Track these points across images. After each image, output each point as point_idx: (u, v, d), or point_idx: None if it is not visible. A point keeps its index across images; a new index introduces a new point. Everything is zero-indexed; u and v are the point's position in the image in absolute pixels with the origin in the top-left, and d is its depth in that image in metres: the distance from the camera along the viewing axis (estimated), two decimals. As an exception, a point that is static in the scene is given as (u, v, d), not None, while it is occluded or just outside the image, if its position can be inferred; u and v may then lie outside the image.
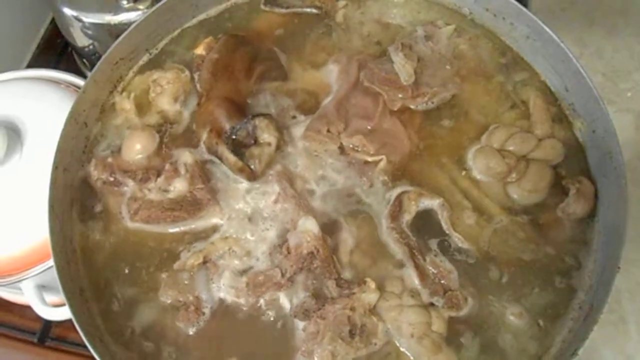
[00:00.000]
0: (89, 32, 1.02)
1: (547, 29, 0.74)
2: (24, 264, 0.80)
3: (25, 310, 0.94)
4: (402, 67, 0.76)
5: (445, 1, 0.83)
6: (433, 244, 0.68)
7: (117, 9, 0.97)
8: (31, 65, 1.18)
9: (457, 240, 0.68)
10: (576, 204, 0.68)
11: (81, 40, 1.05)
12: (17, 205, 0.79)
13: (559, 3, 1.26)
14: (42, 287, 0.85)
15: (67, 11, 1.00)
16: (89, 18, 0.99)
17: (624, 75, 1.17)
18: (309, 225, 0.65)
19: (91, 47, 1.06)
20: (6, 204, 0.79)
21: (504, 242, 0.68)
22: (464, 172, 0.72)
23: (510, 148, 0.72)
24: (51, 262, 0.66)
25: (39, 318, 0.90)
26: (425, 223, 0.69)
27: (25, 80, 0.91)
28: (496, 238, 0.68)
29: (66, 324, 0.96)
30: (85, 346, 0.93)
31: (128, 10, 0.97)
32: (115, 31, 0.97)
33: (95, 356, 0.60)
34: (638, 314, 0.95)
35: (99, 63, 0.74)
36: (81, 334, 0.61)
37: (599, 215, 0.69)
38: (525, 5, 1.12)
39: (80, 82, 0.90)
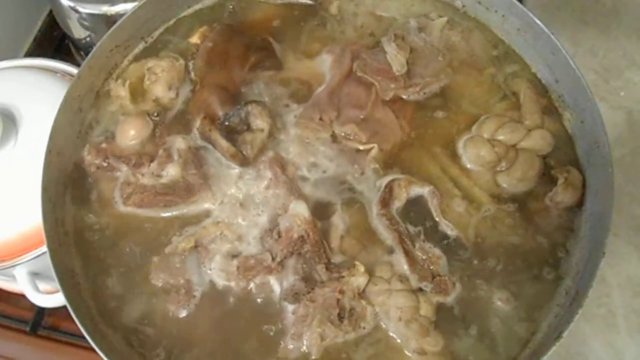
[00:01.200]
0: (86, 23, 1.02)
1: (538, 22, 0.75)
2: (17, 250, 0.81)
3: (18, 299, 0.95)
4: (395, 57, 0.77)
5: (438, -6, 0.84)
6: (422, 230, 0.69)
7: (114, -1, 0.98)
8: (28, 56, 1.18)
9: (447, 227, 0.69)
10: (564, 192, 0.69)
11: (78, 31, 1.06)
12: (11, 191, 0.80)
13: (554, 1, 1.27)
14: (35, 275, 0.85)
15: (64, 2, 1.01)
16: (86, 9, 1.00)
17: (616, 73, 1.19)
18: (300, 209, 0.65)
19: (88, 38, 1.06)
20: (0, 189, 0.79)
21: (493, 229, 0.69)
22: (454, 161, 0.73)
23: (500, 138, 0.73)
24: (44, 248, 0.66)
25: (31, 307, 0.91)
26: (415, 210, 0.70)
27: (21, 68, 0.92)
28: (485, 225, 0.69)
29: (59, 313, 0.97)
30: (77, 336, 0.95)
31: (125, 1, 0.98)
32: (112, 22, 0.95)
33: (88, 338, 0.60)
34: (627, 308, 0.96)
35: (94, 49, 0.74)
36: (74, 316, 0.61)
37: (587, 204, 0.70)
38: (521, 2, 1.14)
39: (76, 71, 0.90)
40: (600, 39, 1.22)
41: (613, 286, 0.98)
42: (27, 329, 0.97)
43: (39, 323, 0.98)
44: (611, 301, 0.98)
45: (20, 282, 0.84)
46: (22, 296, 0.85)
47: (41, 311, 0.97)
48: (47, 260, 0.65)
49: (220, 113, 0.73)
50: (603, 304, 0.98)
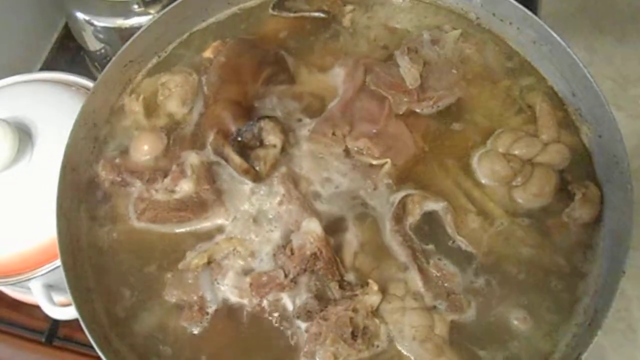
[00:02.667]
0: (101, 36, 1.04)
1: (554, 34, 0.74)
2: (32, 263, 0.81)
3: (33, 310, 0.96)
4: (408, 71, 0.76)
5: (452, 6, 0.83)
6: (437, 247, 0.68)
7: (128, 13, 0.99)
8: (44, 68, 1.19)
9: (461, 243, 0.68)
10: (582, 208, 0.68)
11: (93, 44, 1.07)
12: (27, 205, 0.80)
13: (569, 9, 1.26)
14: (50, 287, 0.86)
15: (80, 15, 1.02)
16: (101, 22, 1.01)
17: (633, 81, 1.17)
18: (313, 227, 0.65)
19: (102, 51, 1.08)
20: (16, 203, 0.80)
21: (508, 245, 0.68)
22: (469, 176, 0.72)
23: (516, 152, 0.72)
24: (59, 261, 0.67)
25: (47, 318, 0.91)
26: (429, 226, 0.69)
27: (37, 82, 0.93)
28: (500, 242, 0.68)
29: (74, 324, 0.97)
30: (92, 346, 0.95)
31: (139, 14, 0.99)
32: (126, 35, 0.98)
33: (100, 354, 0.61)
34: (647, 322, 0.94)
35: (108, 65, 0.75)
36: (86, 332, 0.62)
37: (605, 220, 0.68)
38: (535, 10, 1.13)
39: (91, 84, 0.91)
40: (617, 46, 1.20)
41: (633, 300, 0.97)
42: (43, 339, 0.98)
43: (54, 334, 0.98)
44: (631, 315, 0.96)
45: (35, 295, 0.84)
46: (38, 307, 0.85)
47: (56, 322, 0.98)
48: (62, 273, 0.65)
49: (233, 128, 0.73)
50: (622, 318, 0.96)
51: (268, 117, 0.72)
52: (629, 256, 0.62)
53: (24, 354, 0.99)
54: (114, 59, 0.75)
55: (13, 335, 0.99)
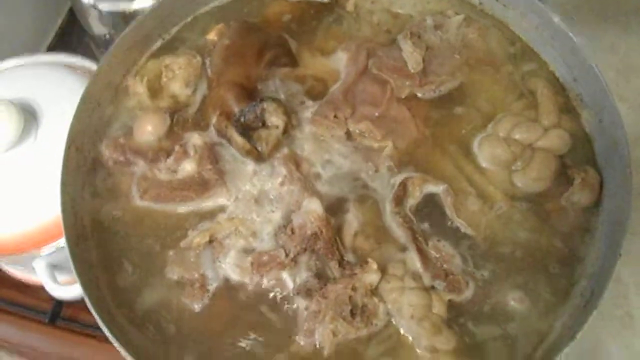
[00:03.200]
0: (105, 20, 1.04)
1: (557, 20, 0.74)
2: (37, 242, 0.82)
3: (37, 290, 0.96)
4: (411, 55, 0.76)
5: (456, -9, 0.84)
6: (436, 228, 0.69)
7: (132, -4, 0.99)
8: (50, 51, 1.20)
9: (461, 225, 0.68)
10: (581, 193, 0.69)
11: (98, 28, 1.07)
12: (32, 185, 0.81)
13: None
14: (53, 267, 0.87)
15: (84, -1, 1.02)
16: (105, 6, 1.01)
17: (637, 72, 1.17)
18: (313, 206, 0.65)
19: (107, 35, 1.08)
20: (21, 183, 0.81)
21: (507, 228, 0.69)
22: (469, 160, 0.73)
23: (516, 137, 0.72)
24: (63, 240, 0.67)
25: (50, 298, 0.92)
26: (429, 208, 0.70)
27: (41, 64, 0.93)
28: (499, 224, 0.69)
29: (77, 305, 0.98)
30: (95, 327, 0.96)
31: (143, -2, 0.99)
32: (130, 19, 0.98)
33: (105, 330, 0.62)
34: (645, 309, 0.94)
35: (112, 46, 0.75)
36: (90, 307, 0.63)
37: (604, 204, 0.69)
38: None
39: (95, 67, 0.91)
40: (621, 36, 1.20)
41: (630, 287, 0.97)
42: (46, 320, 0.99)
43: (57, 314, 0.99)
44: (628, 302, 0.96)
45: (39, 274, 0.85)
46: (41, 287, 0.86)
47: (60, 303, 0.99)
48: (66, 253, 0.66)
49: (236, 109, 0.73)
50: (620, 305, 0.96)
51: (271, 98, 0.73)
52: (628, 242, 0.62)
53: (28, 334, 1.00)
54: (117, 40, 0.76)
55: (17, 315, 1.00)
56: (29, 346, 0.99)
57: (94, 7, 1.02)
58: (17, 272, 1.01)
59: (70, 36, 1.23)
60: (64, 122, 0.73)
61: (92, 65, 0.93)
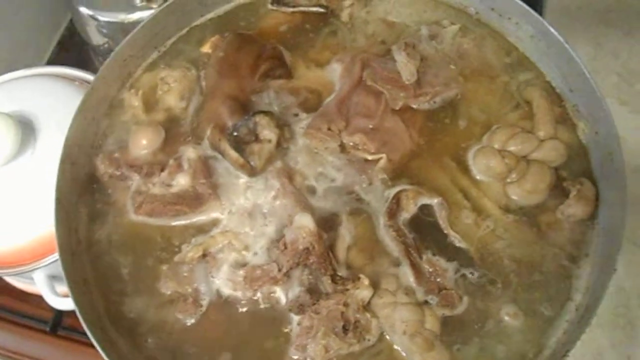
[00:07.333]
0: (104, 30, 1.05)
1: (552, 30, 0.73)
2: (35, 255, 0.83)
3: (38, 300, 0.97)
4: (405, 66, 0.76)
5: (452, 1, 0.83)
6: (430, 242, 0.68)
7: (130, 7, 1.00)
8: (50, 63, 1.21)
9: (455, 239, 0.68)
10: (576, 205, 0.68)
11: (97, 38, 1.08)
12: (30, 198, 0.81)
13: (575, 2, 1.24)
14: (52, 278, 0.87)
15: (84, 10, 1.03)
16: (104, 17, 1.02)
17: (639, 76, 1.15)
18: (305, 221, 0.65)
19: (106, 45, 1.09)
20: (19, 196, 0.82)
21: (502, 242, 0.68)
22: (464, 172, 0.72)
23: (511, 148, 0.72)
24: (59, 254, 0.68)
25: (51, 308, 0.93)
26: (423, 222, 0.70)
27: (40, 77, 0.94)
28: (494, 238, 0.68)
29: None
30: (94, 336, 0.96)
31: (141, 9, 1.00)
32: (129, 29, 0.97)
33: (96, 344, 0.62)
34: (646, 319, 0.93)
35: (108, 60, 0.76)
36: (82, 322, 0.63)
37: (600, 217, 0.68)
38: (542, 4, 1.12)
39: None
40: (623, 41, 1.19)
41: (632, 297, 0.96)
42: (47, 329, 0.99)
43: (58, 323, 1.00)
44: (630, 312, 0.95)
45: (38, 285, 0.86)
46: (42, 297, 0.87)
47: (60, 312, 0.99)
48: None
49: (230, 123, 0.73)
50: (621, 314, 0.95)
51: (263, 112, 0.73)
52: (630, 252, 0.62)
53: (29, 343, 1.01)
54: (113, 53, 0.76)
55: (19, 324, 1.01)
56: (30, 355, 1.00)
57: (93, 17, 1.03)
58: (17, 282, 1.02)
59: (71, 47, 1.23)
60: (62, 135, 0.73)
61: (90, 77, 0.93)
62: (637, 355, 0.93)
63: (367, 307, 0.64)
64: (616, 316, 0.95)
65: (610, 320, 0.95)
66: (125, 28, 1.01)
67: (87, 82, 0.93)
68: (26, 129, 0.82)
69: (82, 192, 0.74)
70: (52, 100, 0.88)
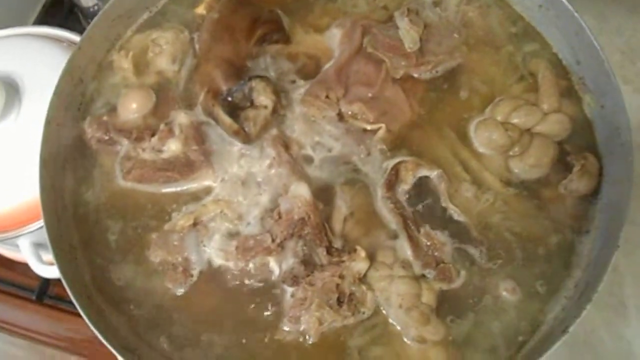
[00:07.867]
0: (93, -10, 1.01)
1: (562, -2, 0.71)
2: (20, 221, 0.80)
3: (24, 268, 0.95)
4: (407, 32, 0.73)
5: (457, -33, 0.80)
6: (428, 215, 0.66)
7: (121, -34, 0.95)
8: (37, 23, 1.16)
9: (454, 212, 0.66)
10: (579, 180, 0.66)
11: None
12: (14, 162, 0.79)
13: (581, -23, 1.21)
14: (38, 245, 0.85)
15: (71, -32, 0.99)
16: (93, -24, 0.98)
17: (643, 54, 1.14)
18: (301, 191, 0.63)
19: (96, 7, 1.04)
20: (3, 160, 0.79)
21: (502, 216, 0.67)
22: (465, 144, 0.70)
23: (515, 121, 0.70)
24: (45, 219, 0.65)
25: (37, 276, 0.91)
26: (421, 194, 0.68)
27: (26, 37, 0.90)
28: (493, 212, 0.67)
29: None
30: (81, 305, 0.95)
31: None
32: None
33: (82, 313, 0.60)
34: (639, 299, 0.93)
35: (95, 19, 0.72)
36: (68, 290, 0.61)
37: (603, 192, 0.67)
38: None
39: (80, 40, 0.89)
40: (628, 18, 1.16)
41: (626, 276, 0.95)
42: (34, 297, 0.98)
43: (44, 292, 0.99)
44: (623, 291, 0.95)
45: (23, 253, 0.84)
46: (28, 265, 0.85)
47: (47, 281, 0.98)
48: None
49: (224, 88, 0.70)
50: (615, 293, 0.95)
51: (259, 76, 0.70)
52: (627, 231, 0.60)
53: (15, 311, 0.99)
54: (100, 12, 0.73)
55: (4, 292, 1.00)
56: (16, 324, 0.98)
57: (82, -24, 0.99)
58: (3, 249, 1.00)
59: (59, 8, 1.19)
60: (47, 97, 0.70)
61: (77, 38, 0.90)
62: (628, 333, 0.93)
63: (362, 279, 0.63)
64: (609, 295, 0.95)
65: (603, 299, 0.95)
66: (115, -12, 0.97)
67: (74, 43, 0.89)
68: (10, 90, 0.79)
69: (69, 156, 0.71)
70: (38, 61, 0.84)
